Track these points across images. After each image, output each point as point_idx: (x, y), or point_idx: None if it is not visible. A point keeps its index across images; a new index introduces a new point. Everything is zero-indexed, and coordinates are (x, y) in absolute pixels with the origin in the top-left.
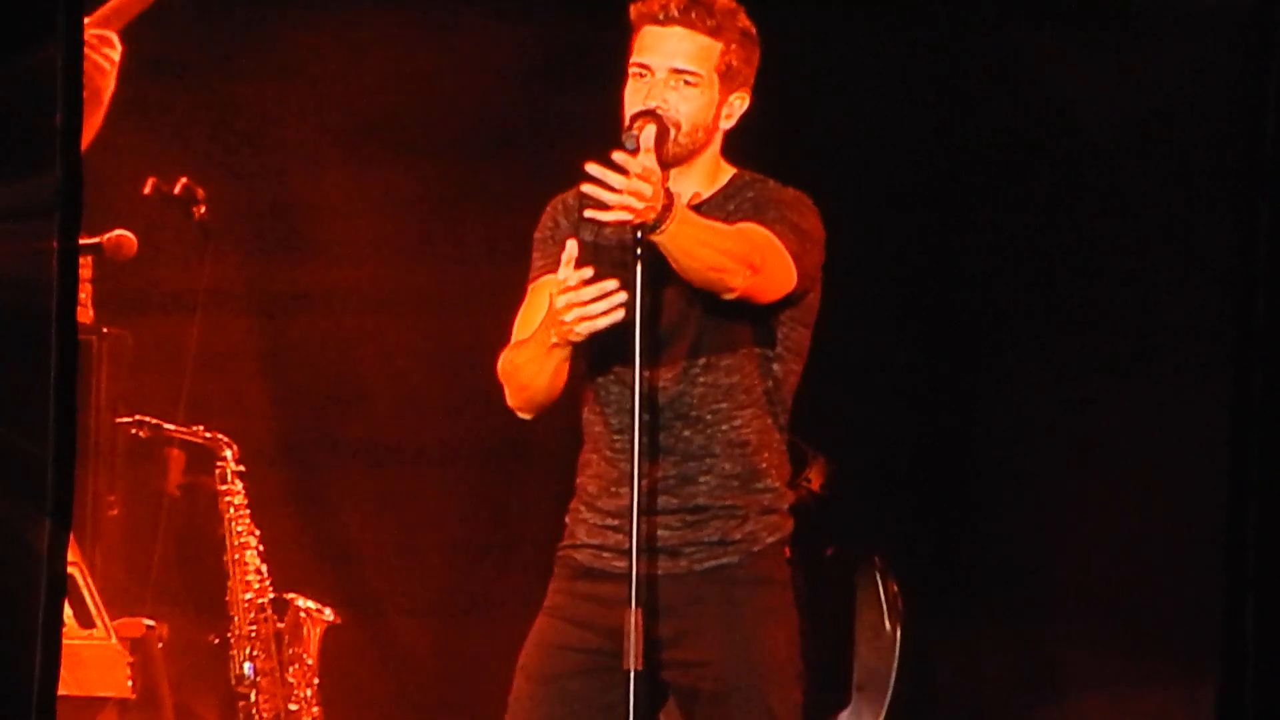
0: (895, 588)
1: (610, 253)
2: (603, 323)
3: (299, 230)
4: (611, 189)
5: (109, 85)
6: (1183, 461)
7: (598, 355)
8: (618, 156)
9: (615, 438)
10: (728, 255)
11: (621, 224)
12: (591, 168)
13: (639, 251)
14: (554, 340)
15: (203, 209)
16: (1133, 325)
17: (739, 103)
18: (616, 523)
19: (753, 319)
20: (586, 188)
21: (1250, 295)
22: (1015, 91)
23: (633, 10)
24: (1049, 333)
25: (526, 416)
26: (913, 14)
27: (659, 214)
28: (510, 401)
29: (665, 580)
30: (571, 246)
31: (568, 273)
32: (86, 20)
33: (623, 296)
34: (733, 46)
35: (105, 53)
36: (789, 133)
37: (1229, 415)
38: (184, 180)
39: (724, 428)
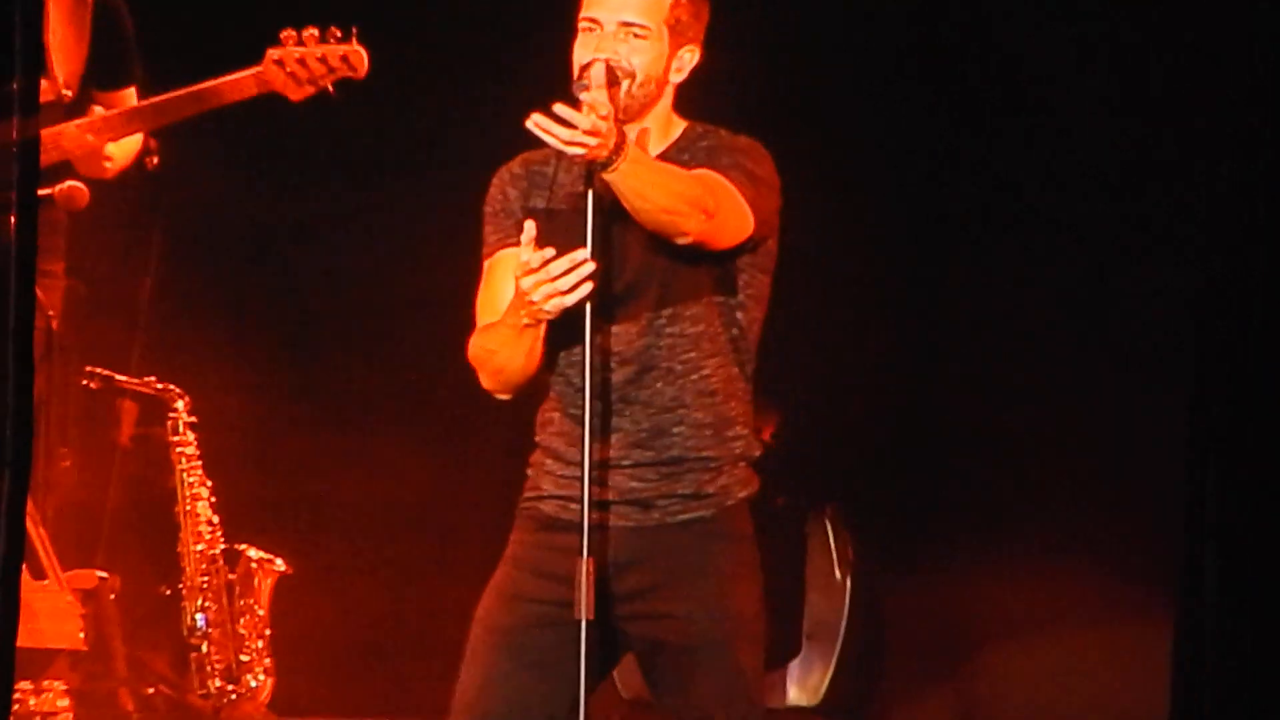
0: (846, 537)
1: (565, 216)
2: (573, 298)
3: (257, 180)
4: (564, 124)
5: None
6: (1142, 413)
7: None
8: (560, 108)
9: (579, 394)
10: (681, 198)
11: (574, 159)
12: (558, 107)
13: (589, 191)
14: (525, 321)
15: (156, 159)
16: (1093, 280)
17: (689, 56)
18: (592, 474)
19: (714, 267)
20: (535, 121)
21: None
22: (989, 54)
23: None
24: (1005, 284)
25: (505, 397)
26: None
27: (611, 151)
28: (486, 384)
29: (636, 533)
30: (530, 227)
31: (529, 253)
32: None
33: (591, 267)
34: (681, 1)
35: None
36: (762, 90)
37: (1192, 371)
38: None
39: (693, 377)
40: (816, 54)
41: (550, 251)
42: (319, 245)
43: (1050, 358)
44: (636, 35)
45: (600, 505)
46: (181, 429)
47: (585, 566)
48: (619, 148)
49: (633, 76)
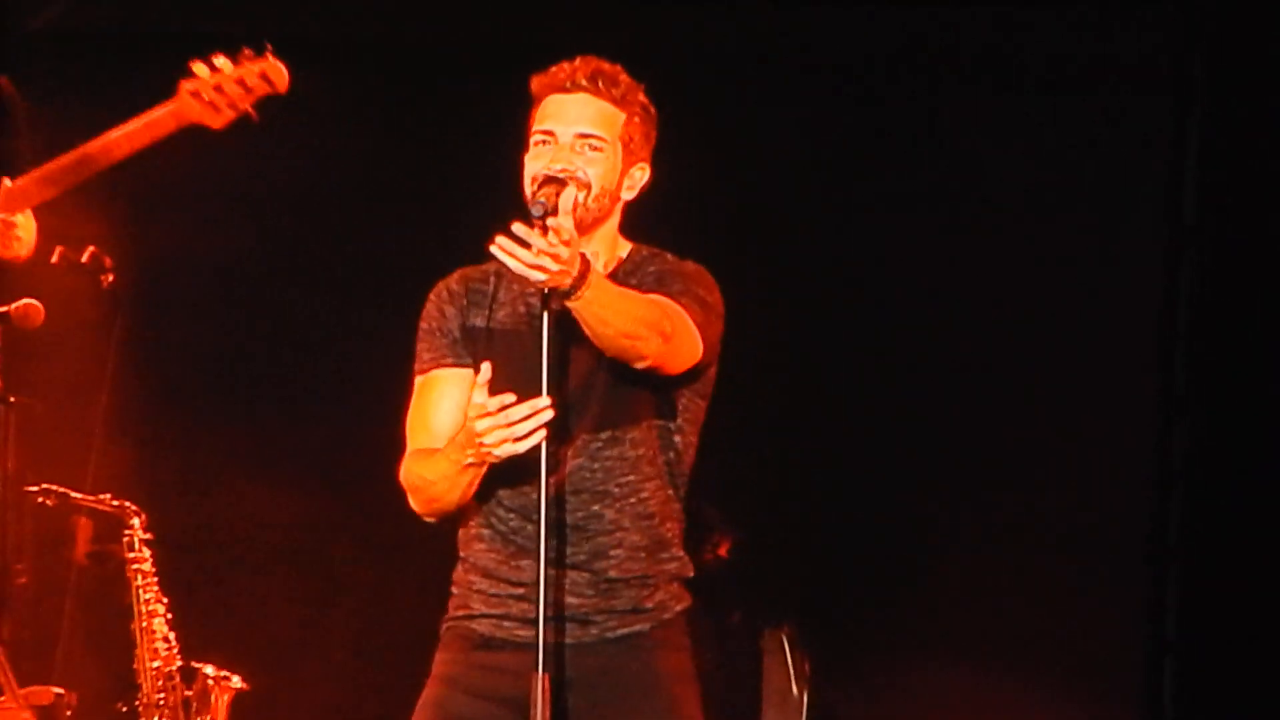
0: (802, 653)
1: (505, 336)
2: (525, 445)
3: (213, 298)
4: (528, 248)
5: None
6: (1103, 526)
7: None
8: (518, 228)
9: (509, 514)
10: (641, 323)
11: (539, 285)
12: (517, 227)
13: (545, 314)
14: (470, 460)
15: (110, 277)
16: (1047, 387)
17: (640, 174)
18: (522, 591)
19: (654, 391)
20: (500, 244)
21: (1170, 355)
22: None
23: (535, 82)
24: (960, 397)
25: (433, 521)
26: (835, 73)
27: (575, 280)
28: (417, 509)
29: (575, 649)
30: (486, 370)
31: (484, 397)
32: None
33: (549, 415)
34: (635, 119)
35: (17, 235)
36: (701, 206)
37: (1153, 477)
38: (92, 249)
39: (632, 500)
40: (758, 170)
41: (510, 397)
42: (275, 363)
43: (1004, 471)
44: (593, 147)
45: (534, 622)
46: (137, 546)
47: (541, 683)
48: (583, 275)
49: (588, 188)
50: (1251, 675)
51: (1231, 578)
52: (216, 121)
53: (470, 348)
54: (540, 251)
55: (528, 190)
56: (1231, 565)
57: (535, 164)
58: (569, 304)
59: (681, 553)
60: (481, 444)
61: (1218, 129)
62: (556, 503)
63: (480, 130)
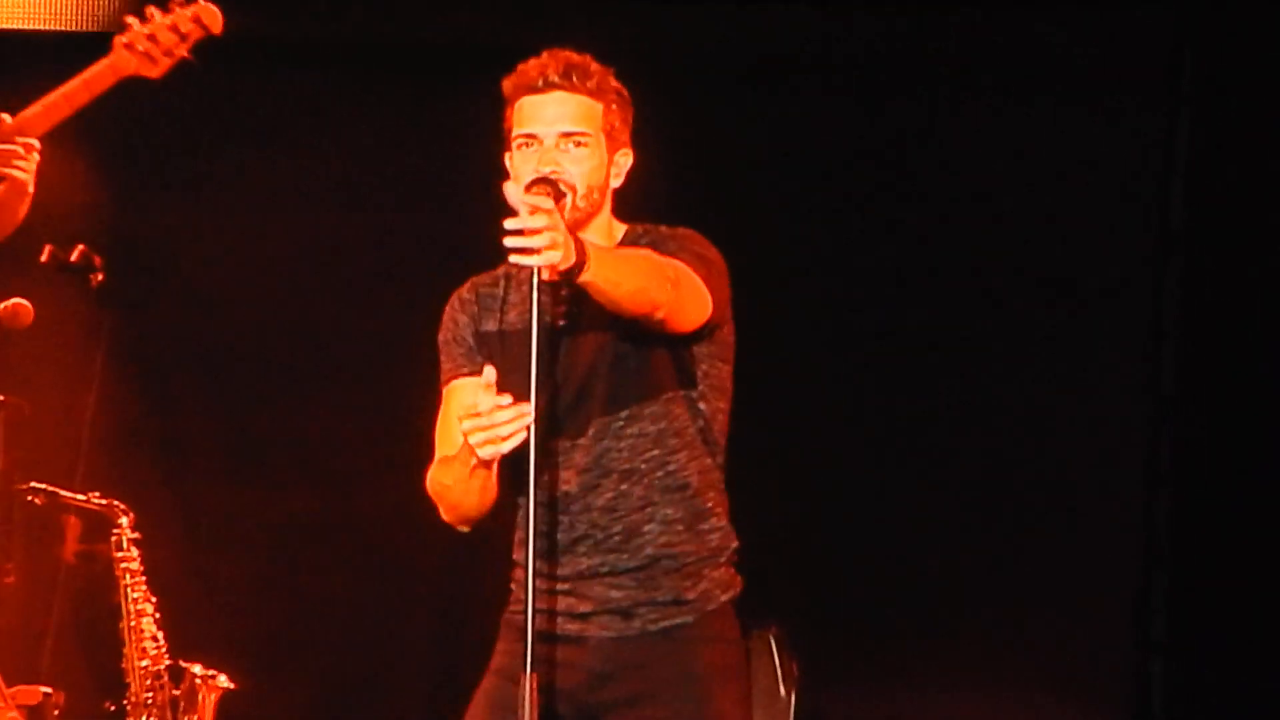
0: (790, 654)
1: (517, 337)
2: (507, 446)
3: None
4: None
5: (29, 189)
6: (1091, 527)
7: None
8: (510, 222)
9: (542, 509)
10: (649, 273)
11: (550, 265)
12: (509, 222)
13: (535, 295)
14: (474, 462)
15: (100, 276)
16: (1037, 389)
17: (624, 160)
18: (568, 586)
19: (671, 361)
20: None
21: (1159, 357)
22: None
23: (507, 84)
24: (948, 398)
25: (464, 529)
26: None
27: (576, 255)
28: (445, 518)
29: (617, 642)
30: (489, 373)
31: (489, 398)
32: (8, 122)
33: (529, 419)
34: (612, 107)
35: (22, 164)
36: (705, 194)
37: (1142, 482)
38: (81, 247)
39: (659, 474)
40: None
41: (507, 399)
42: (264, 362)
43: (992, 472)
44: (577, 144)
45: (580, 616)
46: (125, 545)
47: (529, 682)
48: (581, 249)
49: (574, 190)
50: (1240, 676)
51: (1220, 579)
52: (154, 71)
53: (485, 352)
54: (531, 225)
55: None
56: (1220, 566)
57: (523, 168)
58: (581, 280)
59: (724, 523)
60: (470, 445)
61: (1206, 133)
62: (583, 488)
63: (473, 129)
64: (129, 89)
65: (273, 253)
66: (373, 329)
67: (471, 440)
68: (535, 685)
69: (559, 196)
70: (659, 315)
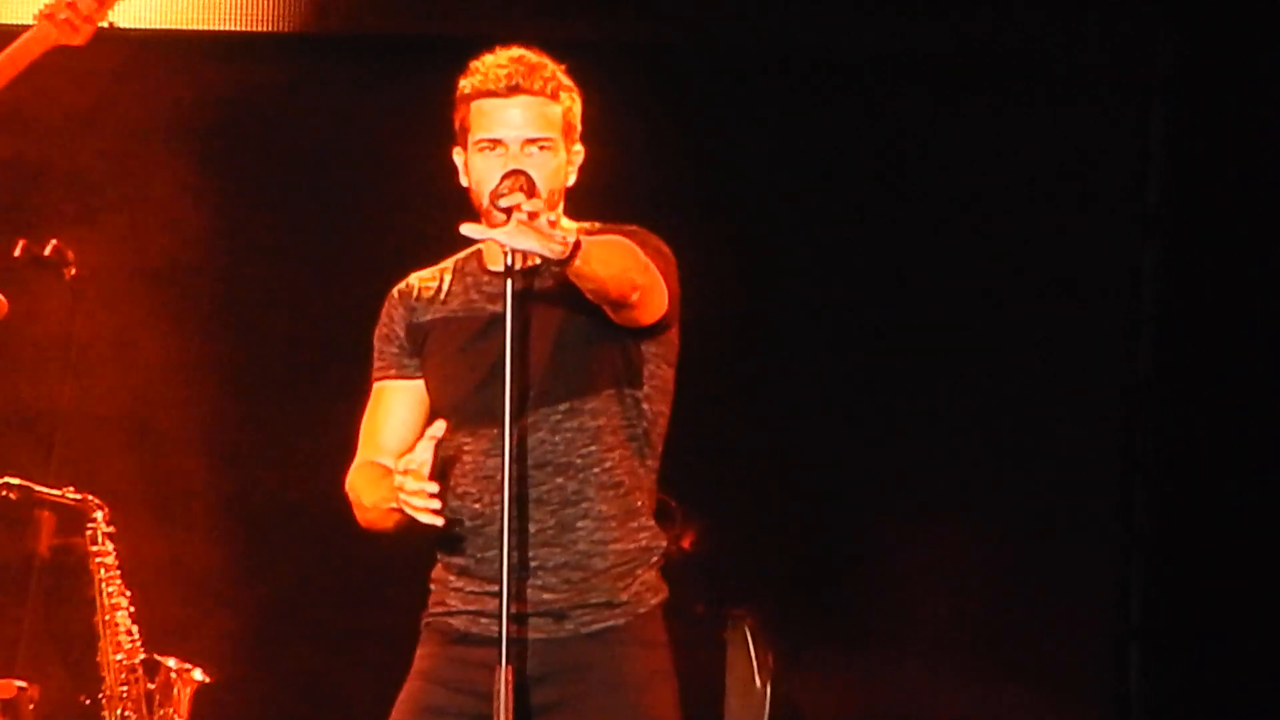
0: (765, 644)
1: (457, 323)
2: (423, 519)
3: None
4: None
5: None
6: (1068, 514)
7: (451, 410)
8: (528, 204)
9: (476, 504)
10: (629, 257)
11: (554, 256)
12: (527, 204)
13: (509, 286)
14: (393, 504)
15: (73, 270)
16: (1015, 376)
17: (578, 156)
18: (496, 588)
19: (616, 359)
20: (514, 230)
21: (1136, 344)
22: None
23: (464, 83)
24: (928, 381)
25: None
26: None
27: (570, 245)
28: (359, 522)
29: (549, 644)
30: (439, 426)
31: (419, 448)
32: None
33: (435, 505)
34: (570, 105)
35: None
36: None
37: (1119, 462)
38: (54, 242)
39: (595, 470)
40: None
41: (426, 457)
42: (238, 356)
43: (969, 460)
44: (541, 148)
45: (514, 618)
46: (100, 539)
47: (504, 675)
48: (576, 240)
49: (539, 194)
50: (1216, 661)
51: (1198, 566)
52: (77, 39)
53: (421, 343)
54: (550, 223)
55: (480, 192)
56: (1196, 553)
57: (489, 173)
58: (574, 266)
59: (652, 522)
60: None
61: (1183, 122)
62: (521, 479)
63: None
64: (112, 79)
65: (245, 243)
66: (349, 319)
67: (401, 496)
68: (510, 678)
69: (533, 192)
70: (634, 298)
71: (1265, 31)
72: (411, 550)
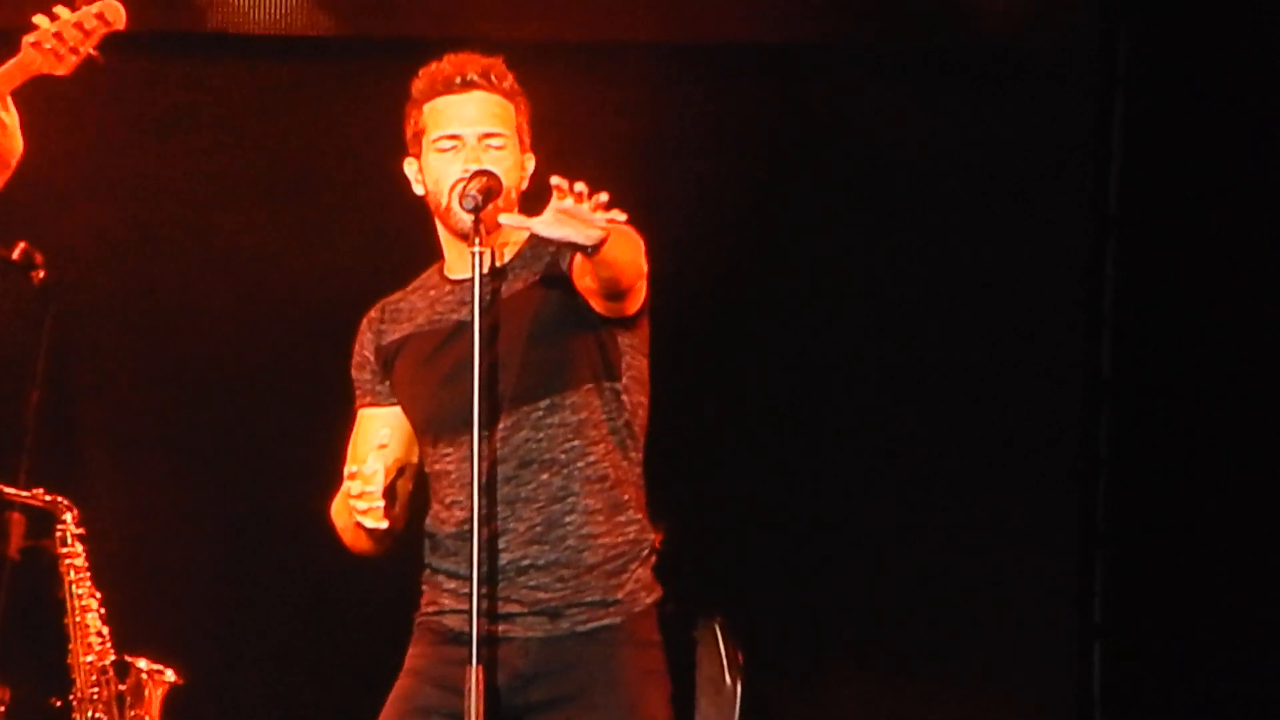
0: (736, 643)
1: (424, 337)
2: (366, 521)
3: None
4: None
5: (14, 148)
6: (1031, 512)
7: (428, 423)
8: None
9: (462, 511)
10: (634, 242)
11: (590, 242)
12: (568, 199)
13: (478, 287)
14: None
15: (42, 273)
16: (975, 374)
17: (530, 164)
18: (487, 589)
19: (596, 351)
20: (509, 218)
21: (1096, 341)
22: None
23: (418, 84)
24: (888, 379)
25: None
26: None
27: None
28: (350, 549)
29: (545, 643)
30: (385, 435)
31: (369, 458)
32: None
33: (380, 511)
34: (522, 109)
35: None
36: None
37: (1076, 458)
38: (23, 245)
39: (580, 465)
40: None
41: (381, 466)
42: (207, 357)
43: (931, 458)
44: (496, 146)
45: (507, 617)
46: (70, 540)
47: (475, 674)
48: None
49: (503, 189)
50: (1179, 660)
51: (1159, 564)
52: (61, 69)
53: (390, 364)
54: (594, 208)
55: (439, 192)
56: (1159, 551)
57: (448, 169)
58: (598, 255)
59: (641, 515)
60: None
61: (1141, 117)
62: (503, 479)
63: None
64: (59, 85)
65: (217, 247)
66: (320, 321)
67: (350, 502)
68: (481, 677)
69: (498, 191)
70: (636, 284)
71: (1225, 28)
72: (386, 553)
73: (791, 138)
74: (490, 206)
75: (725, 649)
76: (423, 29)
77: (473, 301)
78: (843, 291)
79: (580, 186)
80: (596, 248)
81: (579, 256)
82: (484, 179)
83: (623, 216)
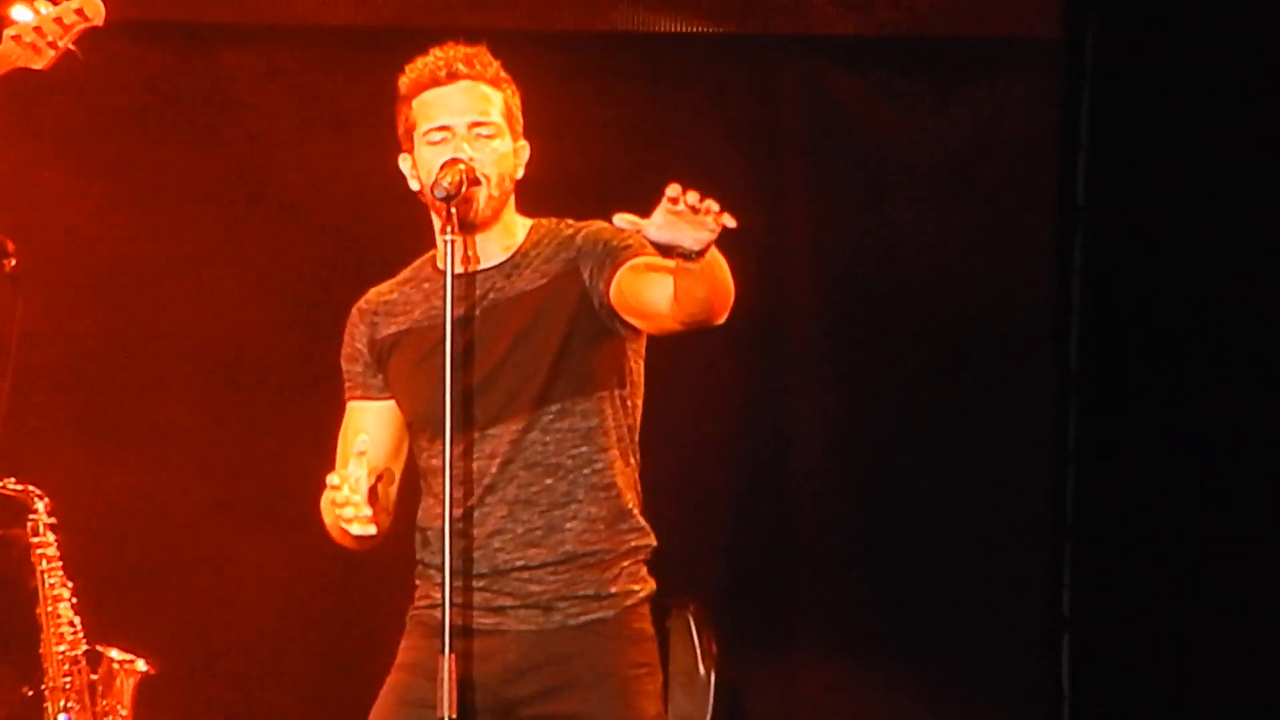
0: (709, 633)
1: (421, 332)
2: (353, 529)
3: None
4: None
5: None
6: (999, 504)
7: (425, 420)
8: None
9: (458, 508)
10: (725, 270)
11: (699, 246)
12: (690, 195)
13: (449, 286)
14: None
15: (13, 261)
16: (941, 366)
17: (524, 151)
18: (484, 582)
19: (612, 358)
20: (664, 220)
21: (1064, 333)
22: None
23: (404, 80)
24: (854, 370)
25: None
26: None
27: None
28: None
29: (537, 636)
30: (362, 441)
31: (350, 464)
32: None
33: (366, 519)
34: (512, 95)
35: None
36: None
37: (1052, 453)
38: None
39: (586, 471)
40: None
41: (362, 472)
42: (179, 347)
43: (899, 450)
44: (486, 135)
45: (497, 609)
46: (42, 530)
47: (448, 664)
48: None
49: (489, 179)
50: (1149, 653)
51: (1128, 556)
52: (39, 62)
53: (385, 359)
54: (708, 212)
55: (421, 184)
56: (1127, 542)
57: (437, 160)
58: (699, 261)
59: (643, 523)
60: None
61: (1108, 107)
62: (503, 480)
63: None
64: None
65: (188, 238)
66: (291, 313)
67: (334, 510)
68: (454, 666)
69: (474, 181)
70: (716, 322)
71: (1194, 17)
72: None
73: (764, 127)
74: (467, 194)
75: (699, 638)
76: (403, 19)
77: (447, 293)
78: (810, 286)
79: (694, 195)
80: (701, 253)
81: (621, 271)
82: (457, 167)
83: (733, 223)
